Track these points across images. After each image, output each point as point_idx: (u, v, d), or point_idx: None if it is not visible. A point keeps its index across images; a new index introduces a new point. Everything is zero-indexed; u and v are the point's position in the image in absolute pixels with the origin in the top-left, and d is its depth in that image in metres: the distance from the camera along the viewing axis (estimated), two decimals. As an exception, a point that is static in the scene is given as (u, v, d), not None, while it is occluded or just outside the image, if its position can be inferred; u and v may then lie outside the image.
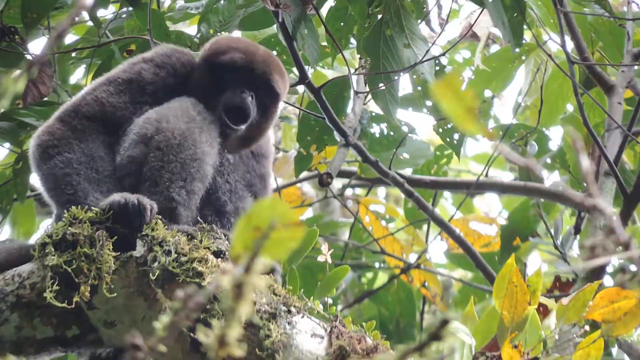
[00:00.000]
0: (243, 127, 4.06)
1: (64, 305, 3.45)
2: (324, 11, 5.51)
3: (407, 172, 6.31)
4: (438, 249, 6.38)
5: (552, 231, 5.62)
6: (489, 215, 6.14)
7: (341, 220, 7.78)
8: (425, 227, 6.96)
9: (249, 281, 2.05)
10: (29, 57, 5.36)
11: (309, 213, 8.45)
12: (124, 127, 3.95)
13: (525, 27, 5.17)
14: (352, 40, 5.49)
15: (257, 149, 4.27)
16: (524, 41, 5.82)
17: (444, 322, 2.05)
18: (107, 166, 3.83)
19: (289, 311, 3.49)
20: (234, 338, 2.03)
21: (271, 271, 3.69)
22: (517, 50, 4.91)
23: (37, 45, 5.97)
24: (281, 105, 4.34)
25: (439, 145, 6.51)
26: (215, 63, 4.13)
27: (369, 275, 7.36)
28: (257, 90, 4.09)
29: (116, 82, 4.04)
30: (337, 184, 8.06)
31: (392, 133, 6.09)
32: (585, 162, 2.36)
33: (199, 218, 3.80)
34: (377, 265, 7.22)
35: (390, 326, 6.74)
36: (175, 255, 3.49)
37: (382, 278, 7.38)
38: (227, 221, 3.94)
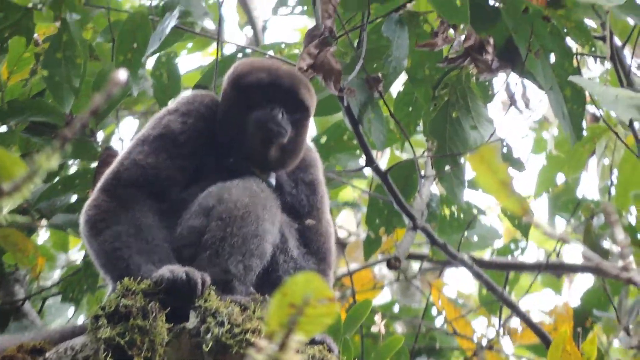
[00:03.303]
0: (284, 139, 4.00)
1: (118, 378, 3.46)
2: (393, 94, 5.57)
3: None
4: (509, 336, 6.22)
5: (617, 306, 5.47)
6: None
7: (414, 306, 7.70)
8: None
9: (283, 358, 2.06)
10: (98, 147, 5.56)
11: (387, 297, 8.41)
12: (173, 191, 3.91)
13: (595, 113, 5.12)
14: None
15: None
16: (595, 123, 5.80)
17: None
18: (157, 233, 3.75)
19: (343, 383, 3.42)
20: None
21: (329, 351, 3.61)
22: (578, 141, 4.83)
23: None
24: (311, 120, 4.27)
25: (513, 238, 6.50)
26: (241, 85, 4.08)
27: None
28: (286, 105, 4.03)
29: (149, 140, 3.98)
30: (414, 266, 8.02)
31: (462, 216, 6.08)
32: (620, 235, 2.33)
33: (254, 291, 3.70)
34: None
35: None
36: (229, 326, 3.42)
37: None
38: None
